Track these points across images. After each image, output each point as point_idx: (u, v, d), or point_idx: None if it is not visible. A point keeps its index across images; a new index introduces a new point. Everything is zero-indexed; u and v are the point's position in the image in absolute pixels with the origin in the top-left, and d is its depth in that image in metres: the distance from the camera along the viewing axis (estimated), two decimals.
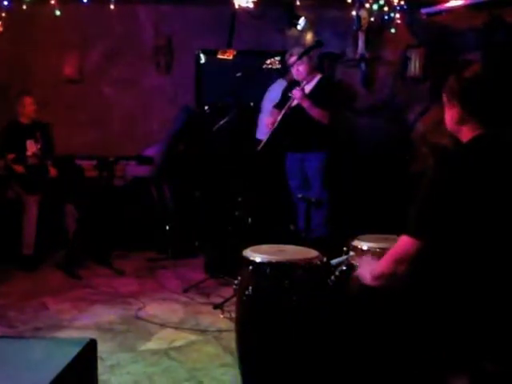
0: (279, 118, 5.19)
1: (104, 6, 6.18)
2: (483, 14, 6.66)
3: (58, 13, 5.72)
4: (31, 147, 5.78)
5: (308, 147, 5.33)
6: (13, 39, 6.62)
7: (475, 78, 2.08)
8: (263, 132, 5.57)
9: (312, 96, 5.20)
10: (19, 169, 5.64)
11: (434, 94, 6.30)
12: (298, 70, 5.25)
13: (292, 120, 5.23)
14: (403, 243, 2.07)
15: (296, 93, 5.12)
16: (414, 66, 6.96)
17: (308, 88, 5.25)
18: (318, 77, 5.36)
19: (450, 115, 2.17)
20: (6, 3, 5.68)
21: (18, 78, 6.73)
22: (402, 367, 2.37)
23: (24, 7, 5.74)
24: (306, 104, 5.13)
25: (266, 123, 5.38)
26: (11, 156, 5.61)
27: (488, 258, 1.97)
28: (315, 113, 5.13)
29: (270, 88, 6.20)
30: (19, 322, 4.16)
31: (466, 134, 2.11)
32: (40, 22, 6.63)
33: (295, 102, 5.21)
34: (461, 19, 6.65)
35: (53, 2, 5.68)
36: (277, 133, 5.21)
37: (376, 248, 3.04)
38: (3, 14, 5.96)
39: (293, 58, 5.22)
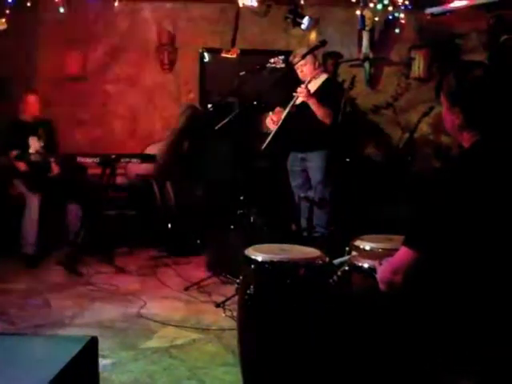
0: (283, 116, 5.18)
1: (108, 3, 6.18)
2: (487, 15, 6.65)
3: (61, 10, 5.72)
4: (34, 144, 5.77)
5: (309, 147, 5.31)
6: (17, 36, 6.62)
7: (479, 86, 2.03)
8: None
9: (316, 96, 5.17)
10: (22, 166, 5.63)
11: (439, 95, 6.28)
12: (303, 70, 5.23)
13: (295, 119, 5.21)
14: (401, 253, 2.06)
15: (301, 91, 5.09)
16: (418, 67, 6.95)
17: (313, 87, 5.22)
18: (323, 77, 5.33)
19: (450, 120, 2.13)
20: (10, 0, 5.68)
21: (21, 75, 6.72)
22: (404, 368, 2.36)
23: (28, 4, 5.74)
24: (311, 101, 5.10)
25: (269, 121, 5.36)
26: (14, 153, 5.61)
27: (489, 266, 1.96)
28: (320, 111, 5.11)
29: None
30: (20, 319, 4.16)
31: (467, 139, 2.08)
32: (44, 19, 6.63)
33: (299, 100, 5.19)
34: (465, 20, 6.65)
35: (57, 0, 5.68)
36: (280, 132, 5.19)
37: (378, 248, 3.04)
38: (7, 11, 5.96)
39: (296, 59, 5.20)
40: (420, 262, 2.01)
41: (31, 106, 5.83)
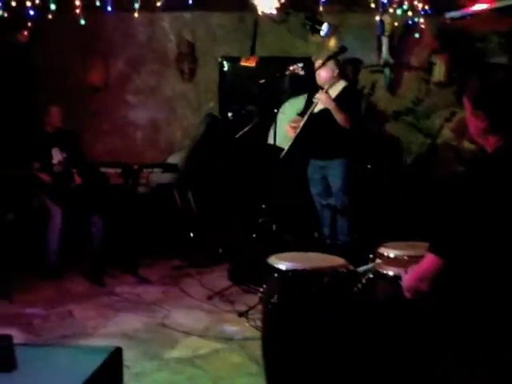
0: (301, 123, 5.15)
1: (128, 15, 6.22)
2: (508, 19, 6.59)
3: (82, 22, 5.77)
4: (56, 155, 5.81)
5: (329, 155, 5.27)
6: (38, 49, 6.70)
7: (503, 89, 2.00)
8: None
9: (336, 102, 5.14)
10: (45, 177, 5.67)
11: (460, 100, 6.23)
12: (321, 75, 5.21)
13: (314, 126, 5.18)
14: (427, 261, 2.03)
15: (321, 96, 5.07)
16: (439, 71, 6.90)
17: (332, 94, 5.20)
18: (342, 84, 5.30)
19: (475, 124, 2.09)
20: (31, 13, 5.74)
21: (43, 87, 6.79)
22: (417, 368, 2.34)
23: (49, 16, 5.80)
24: (332, 106, 5.07)
25: (288, 129, 5.33)
26: (37, 165, 5.65)
27: (505, 270, 1.93)
28: (339, 116, 5.07)
29: (287, 103, 6.15)
30: (45, 330, 4.18)
31: (492, 144, 2.05)
32: (65, 31, 6.69)
33: (318, 107, 5.17)
34: (485, 23, 6.58)
35: (77, 11, 5.72)
36: (299, 139, 5.17)
37: (403, 256, 3.00)
38: (29, 24, 6.04)
39: (317, 64, 5.19)
40: (445, 269, 1.99)
41: (54, 117, 5.87)
